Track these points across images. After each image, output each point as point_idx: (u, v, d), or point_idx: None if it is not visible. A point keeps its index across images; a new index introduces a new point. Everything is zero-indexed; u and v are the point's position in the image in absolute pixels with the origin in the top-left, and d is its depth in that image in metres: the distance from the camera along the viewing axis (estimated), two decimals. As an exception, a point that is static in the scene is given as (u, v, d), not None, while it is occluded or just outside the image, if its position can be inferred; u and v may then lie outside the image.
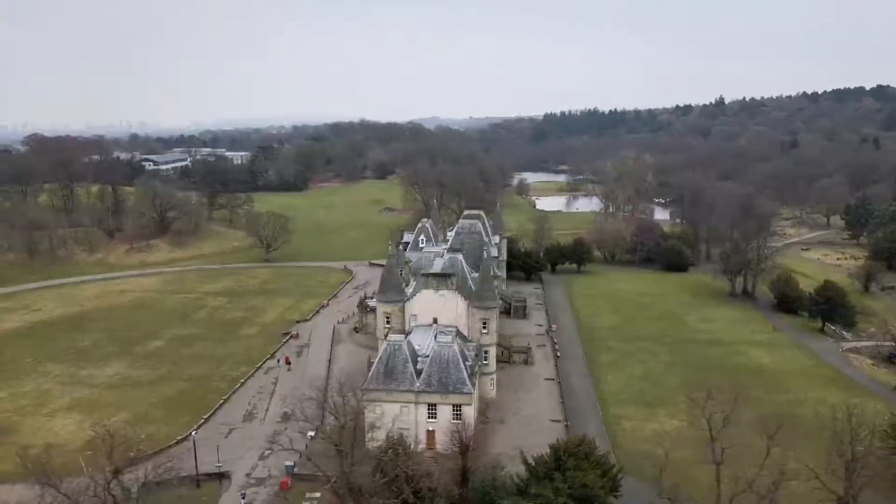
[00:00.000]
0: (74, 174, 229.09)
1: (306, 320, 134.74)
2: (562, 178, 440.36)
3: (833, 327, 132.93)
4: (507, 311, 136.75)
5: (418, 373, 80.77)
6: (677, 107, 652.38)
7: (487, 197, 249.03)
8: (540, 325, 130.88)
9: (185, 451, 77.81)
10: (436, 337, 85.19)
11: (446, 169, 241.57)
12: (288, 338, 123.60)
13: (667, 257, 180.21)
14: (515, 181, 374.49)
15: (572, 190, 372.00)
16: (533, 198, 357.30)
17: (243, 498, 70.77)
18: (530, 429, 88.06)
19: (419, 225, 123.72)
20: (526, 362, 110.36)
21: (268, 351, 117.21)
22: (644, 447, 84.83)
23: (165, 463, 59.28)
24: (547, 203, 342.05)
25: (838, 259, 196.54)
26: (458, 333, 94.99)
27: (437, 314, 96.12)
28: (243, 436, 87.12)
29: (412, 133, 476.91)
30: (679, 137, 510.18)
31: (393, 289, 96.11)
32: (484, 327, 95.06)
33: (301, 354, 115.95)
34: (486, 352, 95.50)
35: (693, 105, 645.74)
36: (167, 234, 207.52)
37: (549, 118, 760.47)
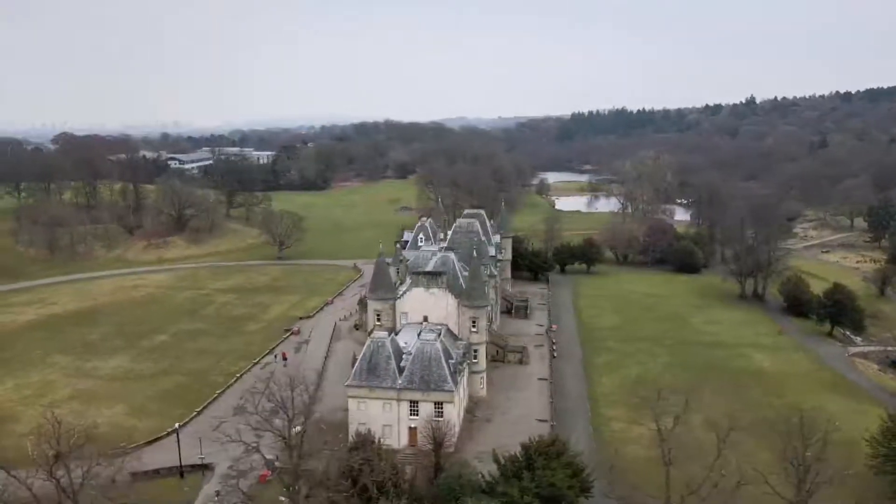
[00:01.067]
0: (98, 172, 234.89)
1: (309, 317, 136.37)
2: (586, 178, 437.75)
3: (844, 331, 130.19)
4: (508, 311, 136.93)
5: (401, 370, 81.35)
6: (707, 106, 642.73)
7: (501, 196, 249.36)
8: (540, 325, 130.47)
9: (173, 443, 79.80)
10: (419, 335, 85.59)
11: (461, 169, 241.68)
12: (289, 334, 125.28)
13: (678, 258, 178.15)
14: (536, 181, 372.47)
15: (594, 190, 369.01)
16: (553, 198, 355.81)
17: (217, 496, 72.18)
18: (517, 428, 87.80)
19: (418, 224, 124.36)
20: (521, 362, 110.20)
21: (267, 347, 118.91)
22: (629, 448, 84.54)
23: (124, 457, 60.84)
24: (567, 203, 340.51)
25: (858, 262, 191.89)
26: (448, 332, 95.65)
27: (427, 312, 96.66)
28: (231, 429, 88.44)
29: (434, 133, 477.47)
30: (706, 137, 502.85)
31: (383, 287, 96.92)
32: (473, 326, 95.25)
33: (299, 350, 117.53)
34: (475, 350, 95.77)
35: (724, 105, 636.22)
36: (184, 232, 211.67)
37: (576, 118, 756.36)
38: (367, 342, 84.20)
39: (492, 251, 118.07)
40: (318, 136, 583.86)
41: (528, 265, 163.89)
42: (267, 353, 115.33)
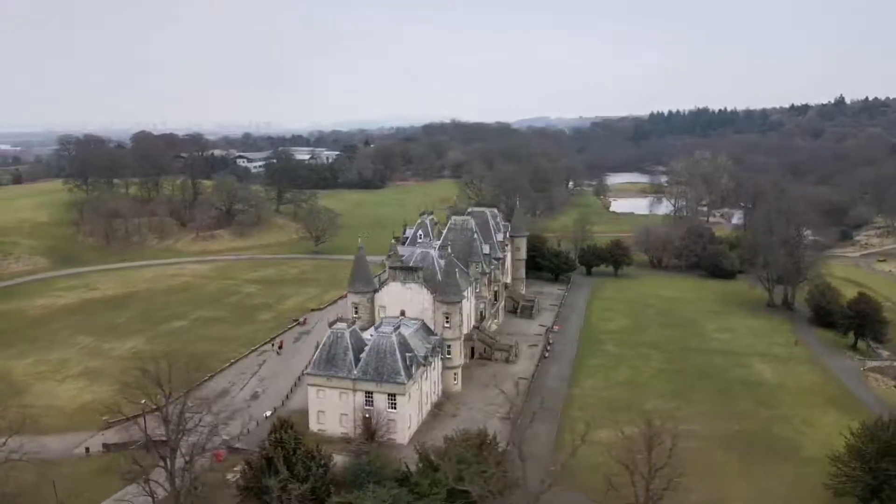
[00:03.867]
0: (160, 168, 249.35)
1: (320, 308, 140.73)
2: (658, 179, 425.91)
3: (870, 344, 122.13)
4: (514, 310, 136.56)
5: (357, 361, 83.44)
6: (793, 106, 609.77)
7: (546, 196, 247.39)
8: (543, 326, 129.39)
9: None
10: (377, 328, 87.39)
11: (504, 169, 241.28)
12: (294, 324, 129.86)
13: (712, 263, 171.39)
14: (594, 182, 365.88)
15: (655, 192, 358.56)
16: (610, 199, 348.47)
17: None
18: (478, 424, 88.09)
19: (419, 221, 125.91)
20: (507, 360, 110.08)
21: (272, 335, 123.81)
22: (586, 452, 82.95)
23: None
24: (625, 205, 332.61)
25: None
26: (424, 326, 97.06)
27: (404, 306, 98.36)
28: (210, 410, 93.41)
29: (499, 133, 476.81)
30: (787, 139, 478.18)
31: (361, 280, 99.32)
32: (447, 321, 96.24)
33: (298, 340, 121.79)
34: (448, 346, 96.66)
35: (811, 105, 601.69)
36: (231, 225, 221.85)
37: (654, 117, 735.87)
38: (328, 333, 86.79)
39: (486, 249, 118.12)
40: (389, 137, 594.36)
41: (547, 266, 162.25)
42: (266, 342, 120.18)
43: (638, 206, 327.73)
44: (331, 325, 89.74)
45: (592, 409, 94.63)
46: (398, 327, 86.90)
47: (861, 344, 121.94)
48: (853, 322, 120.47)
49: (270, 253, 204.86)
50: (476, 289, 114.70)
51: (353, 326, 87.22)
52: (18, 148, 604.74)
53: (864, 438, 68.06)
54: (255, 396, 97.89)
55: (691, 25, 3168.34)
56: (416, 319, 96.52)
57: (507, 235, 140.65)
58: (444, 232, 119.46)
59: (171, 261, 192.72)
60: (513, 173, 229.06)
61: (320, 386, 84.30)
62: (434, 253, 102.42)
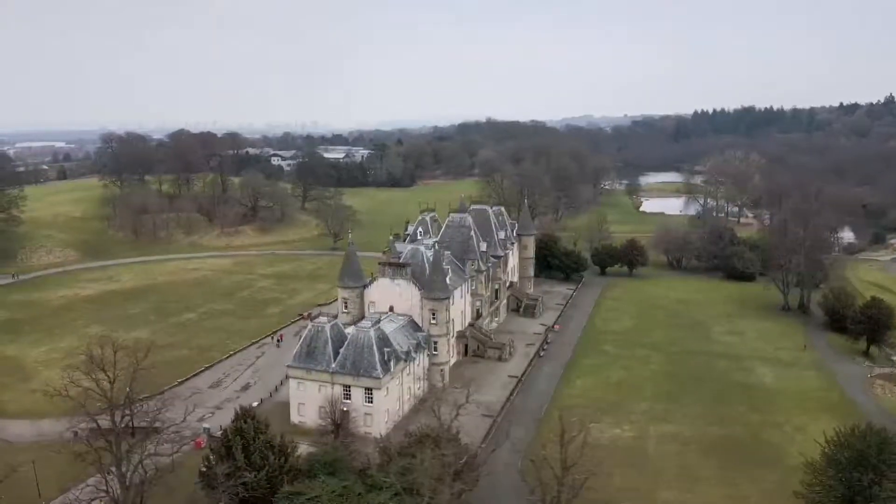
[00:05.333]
0: (190, 165, 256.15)
1: (328, 304, 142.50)
2: (693, 179, 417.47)
3: (884, 350, 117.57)
4: (517, 309, 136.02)
5: (336, 355, 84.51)
6: (841, 105, 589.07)
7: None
8: (544, 325, 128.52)
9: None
10: (356, 324, 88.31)
11: (524, 168, 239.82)
12: (299, 318, 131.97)
13: (729, 264, 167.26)
14: (626, 181, 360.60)
15: (688, 191, 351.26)
16: (642, 198, 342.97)
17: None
18: (458, 420, 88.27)
19: (419, 218, 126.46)
20: (500, 358, 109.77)
21: (275, 329, 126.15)
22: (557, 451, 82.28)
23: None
24: (656, 205, 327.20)
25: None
26: (412, 322, 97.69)
27: (393, 302, 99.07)
28: (201, 399, 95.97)
29: (532, 131, 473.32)
30: (833, 138, 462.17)
31: (351, 275, 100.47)
32: (433, 317, 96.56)
33: (297, 334, 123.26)
34: (435, 342, 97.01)
35: (860, 104, 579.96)
36: (255, 221, 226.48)
37: (698, 116, 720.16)
38: (308, 326, 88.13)
39: (484, 247, 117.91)
40: (422, 136, 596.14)
41: (557, 265, 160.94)
42: (268, 335, 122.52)
43: (670, 206, 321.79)
44: (312, 318, 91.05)
45: (578, 409, 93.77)
46: (378, 322, 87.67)
47: (874, 350, 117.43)
48: (864, 327, 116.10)
49: (292, 249, 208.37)
50: (472, 286, 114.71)
51: (335, 321, 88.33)
52: (73, 145, 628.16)
53: (838, 446, 65.70)
54: (246, 387, 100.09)
55: (743, 25, 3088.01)
56: (403, 315, 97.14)
57: (514, 233, 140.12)
58: (442, 229, 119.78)
59: (193, 255, 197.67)
60: (532, 171, 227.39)
61: (300, 378, 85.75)
62: (423, 249, 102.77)
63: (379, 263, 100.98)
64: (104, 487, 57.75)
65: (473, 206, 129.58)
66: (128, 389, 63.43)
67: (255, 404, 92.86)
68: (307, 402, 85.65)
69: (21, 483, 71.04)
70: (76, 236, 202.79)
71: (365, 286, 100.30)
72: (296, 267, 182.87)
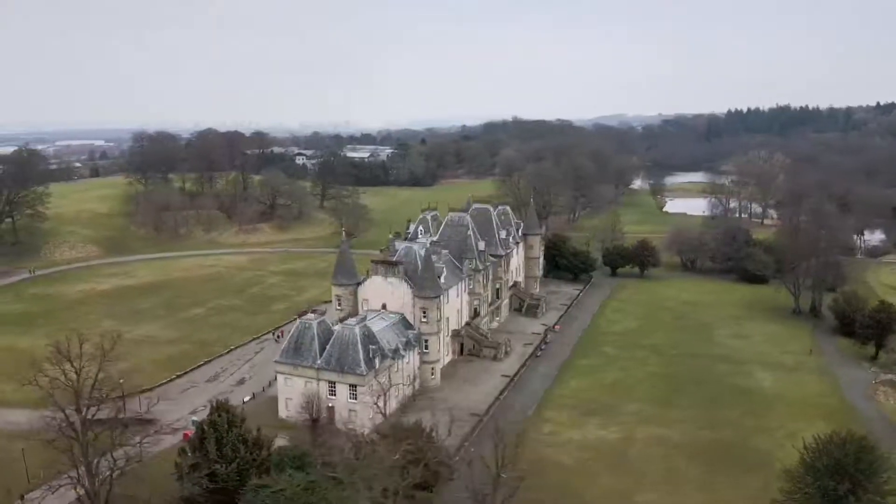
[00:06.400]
0: (214, 164, 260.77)
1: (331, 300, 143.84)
2: (719, 178, 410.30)
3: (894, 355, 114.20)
4: (519, 309, 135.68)
5: (322, 351, 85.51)
6: (878, 105, 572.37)
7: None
8: (545, 325, 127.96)
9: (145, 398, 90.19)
10: (341, 321, 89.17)
11: (543, 168, 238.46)
12: (296, 319, 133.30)
13: (742, 266, 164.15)
14: (651, 180, 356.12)
15: (712, 192, 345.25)
16: (666, 199, 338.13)
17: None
18: (445, 419, 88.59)
19: (420, 216, 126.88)
20: (495, 357, 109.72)
21: (279, 325, 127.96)
22: (544, 451, 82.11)
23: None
24: (681, 205, 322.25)
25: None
26: (404, 320, 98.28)
27: (386, 300, 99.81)
28: (196, 392, 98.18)
29: (558, 131, 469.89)
30: (869, 138, 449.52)
31: (344, 273, 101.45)
32: (424, 316, 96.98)
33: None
34: (426, 340, 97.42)
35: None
36: (274, 219, 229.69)
37: (731, 115, 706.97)
38: (297, 323, 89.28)
39: (482, 246, 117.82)
40: (452, 135, 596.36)
41: (566, 265, 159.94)
42: (269, 332, 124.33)
43: (694, 206, 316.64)
44: (300, 315, 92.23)
45: (567, 410, 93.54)
46: (364, 319, 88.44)
47: (883, 355, 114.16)
48: (873, 331, 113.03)
49: (307, 247, 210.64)
50: (470, 285, 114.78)
51: (322, 317, 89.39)
52: (111, 143, 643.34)
53: (816, 453, 64.20)
54: (241, 382, 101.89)
55: (780, 23, 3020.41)
56: (396, 313, 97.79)
57: (520, 233, 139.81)
58: (441, 228, 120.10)
59: (210, 252, 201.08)
60: (548, 171, 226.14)
61: (287, 374, 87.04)
62: (416, 248, 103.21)
63: (372, 261, 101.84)
64: (75, 476, 59.41)
65: (475, 206, 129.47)
66: (93, 381, 64.82)
67: (246, 399, 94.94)
68: (294, 397, 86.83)
69: (12, 469, 73.88)
70: (100, 232, 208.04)
71: (358, 284, 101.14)
72: (308, 264, 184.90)
